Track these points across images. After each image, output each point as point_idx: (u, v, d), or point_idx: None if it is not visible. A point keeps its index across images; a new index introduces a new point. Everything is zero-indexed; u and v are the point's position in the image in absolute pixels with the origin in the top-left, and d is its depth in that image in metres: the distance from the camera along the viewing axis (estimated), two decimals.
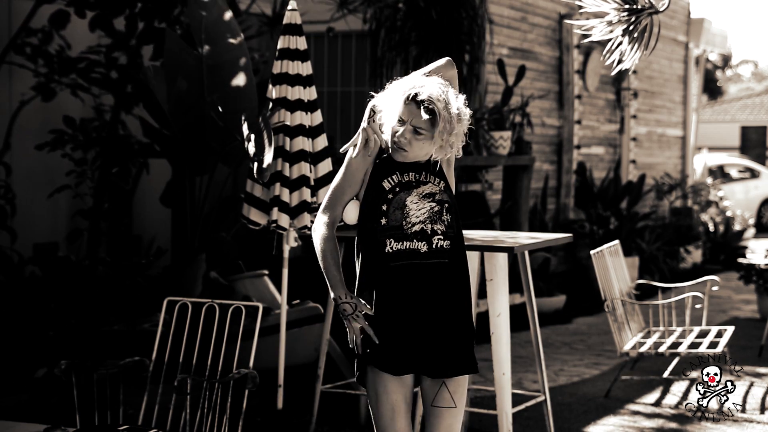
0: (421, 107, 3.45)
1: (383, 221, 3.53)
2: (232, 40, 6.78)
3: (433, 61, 3.76)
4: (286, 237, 5.79)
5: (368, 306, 3.53)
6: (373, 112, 3.63)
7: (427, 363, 3.55)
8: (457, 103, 3.51)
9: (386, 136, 3.56)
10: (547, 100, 11.35)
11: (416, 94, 3.47)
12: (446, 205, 3.58)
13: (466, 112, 3.53)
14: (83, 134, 7.17)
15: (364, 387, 3.66)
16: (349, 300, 3.51)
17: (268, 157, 5.47)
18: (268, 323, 6.56)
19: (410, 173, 3.57)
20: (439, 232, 3.54)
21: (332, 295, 3.54)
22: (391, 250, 3.52)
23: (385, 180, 3.57)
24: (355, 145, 3.63)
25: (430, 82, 3.52)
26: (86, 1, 6.94)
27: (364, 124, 3.64)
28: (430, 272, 3.53)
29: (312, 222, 5.71)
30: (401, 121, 3.49)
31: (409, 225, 3.53)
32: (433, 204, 3.55)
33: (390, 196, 3.55)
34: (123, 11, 7.07)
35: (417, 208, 3.54)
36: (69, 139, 7.13)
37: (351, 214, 3.63)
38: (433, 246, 3.53)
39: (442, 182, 3.60)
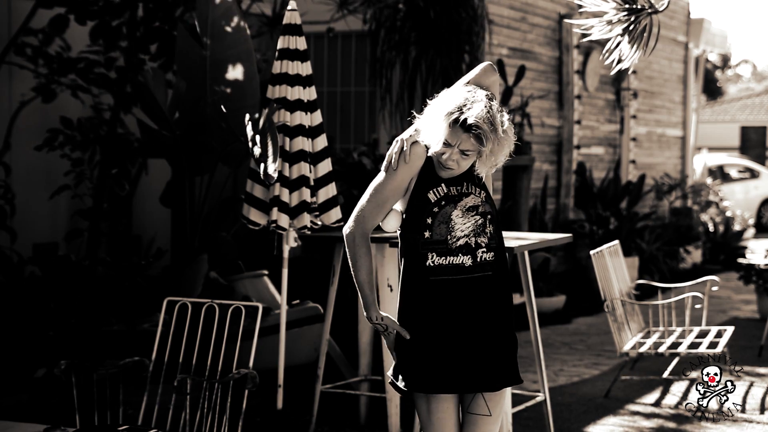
0: (469, 133, 3.40)
1: (427, 234, 3.49)
2: (236, 35, 6.78)
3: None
4: (285, 237, 5.79)
5: (402, 329, 3.51)
6: (416, 131, 3.58)
7: (471, 378, 3.51)
8: (501, 118, 3.46)
9: (431, 152, 3.50)
10: (547, 100, 11.35)
11: (462, 119, 3.40)
12: (489, 216, 3.54)
13: (511, 127, 3.49)
14: (81, 134, 7.16)
15: (404, 395, 3.62)
16: (380, 322, 3.52)
17: (272, 166, 5.45)
18: (268, 323, 6.56)
19: (454, 186, 3.53)
20: (483, 244, 3.51)
21: (365, 314, 3.54)
22: (432, 264, 3.49)
23: (431, 192, 3.52)
24: (393, 161, 3.57)
25: (474, 100, 3.44)
26: (86, 9, 6.93)
27: (404, 136, 3.61)
28: (474, 286, 3.50)
29: (311, 222, 5.72)
30: (447, 144, 3.44)
31: (454, 239, 3.49)
32: (477, 217, 3.52)
33: (435, 209, 3.50)
34: (124, 14, 7.07)
35: (462, 222, 3.50)
36: (66, 140, 7.13)
37: (392, 223, 3.58)
38: (478, 259, 3.50)
39: (483, 192, 3.56)
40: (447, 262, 3.49)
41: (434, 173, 3.54)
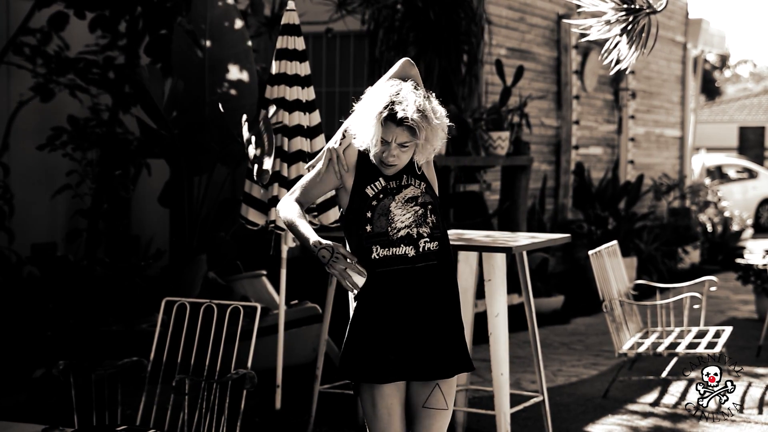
0: (402, 126, 3.44)
1: (368, 228, 3.55)
2: (235, 36, 6.78)
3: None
4: (284, 237, 5.79)
5: (347, 249, 3.51)
6: (343, 135, 3.64)
7: (421, 367, 3.55)
8: (432, 104, 3.50)
9: (371, 154, 3.54)
10: (546, 101, 11.35)
11: (393, 114, 3.44)
12: (429, 206, 3.59)
13: (442, 111, 3.53)
14: (81, 134, 7.16)
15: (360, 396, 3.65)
16: (325, 245, 3.44)
17: (268, 162, 5.46)
18: (267, 323, 6.56)
19: (393, 180, 3.58)
20: (425, 234, 3.56)
21: (310, 243, 3.46)
22: (377, 257, 3.54)
23: (369, 187, 3.57)
24: (319, 165, 3.64)
25: (399, 92, 3.48)
26: (85, 3, 6.93)
27: (331, 144, 3.65)
28: (418, 276, 3.55)
29: (310, 222, 5.72)
30: (384, 142, 3.48)
31: (395, 231, 3.54)
32: (417, 207, 3.57)
33: (374, 203, 3.56)
34: (124, 16, 7.07)
35: (401, 214, 3.55)
36: (69, 139, 7.13)
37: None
38: (421, 249, 3.55)
39: (423, 183, 3.61)
40: (391, 254, 3.54)
41: (372, 169, 3.58)
